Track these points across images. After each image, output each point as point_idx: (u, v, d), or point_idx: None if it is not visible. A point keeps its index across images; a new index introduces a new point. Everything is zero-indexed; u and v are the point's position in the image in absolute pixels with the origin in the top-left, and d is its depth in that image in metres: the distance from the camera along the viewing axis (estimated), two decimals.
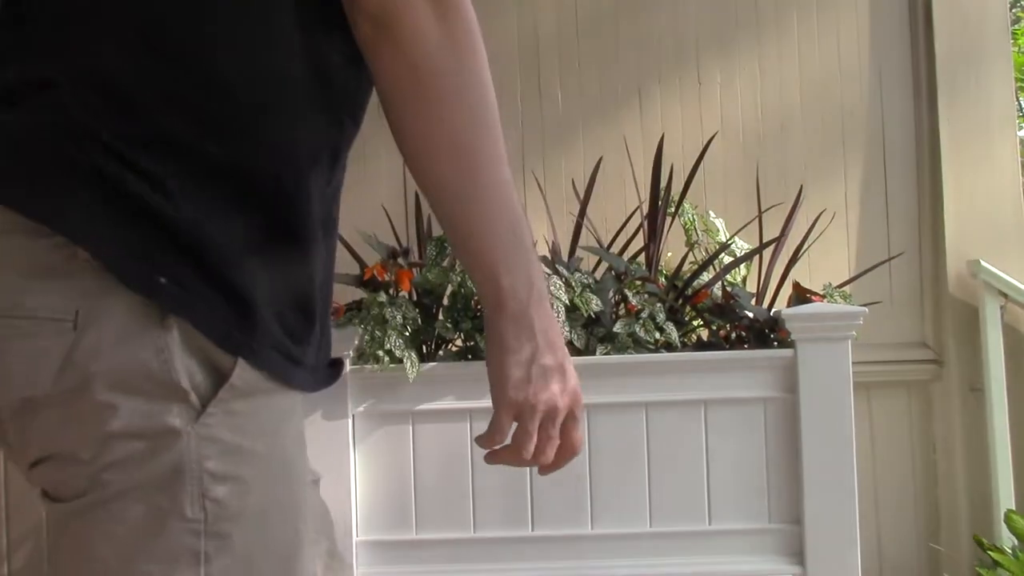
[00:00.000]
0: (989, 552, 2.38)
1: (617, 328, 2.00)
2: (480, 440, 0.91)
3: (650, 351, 2.02)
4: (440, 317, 2.05)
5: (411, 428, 1.98)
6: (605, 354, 2.00)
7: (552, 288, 1.95)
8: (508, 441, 0.88)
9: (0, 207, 0.73)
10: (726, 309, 2.10)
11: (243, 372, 0.76)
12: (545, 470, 0.91)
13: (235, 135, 0.76)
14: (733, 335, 2.12)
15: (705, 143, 2.40)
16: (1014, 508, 2.46)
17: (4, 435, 0.78)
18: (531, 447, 0.88)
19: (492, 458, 0.91)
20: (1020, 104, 5.01)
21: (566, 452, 0.90)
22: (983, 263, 2.54)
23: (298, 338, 0.81)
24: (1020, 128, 3.74)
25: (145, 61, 0.74)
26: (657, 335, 2.01)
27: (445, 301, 2.06)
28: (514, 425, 0.88)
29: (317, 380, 0.84)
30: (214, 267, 0.74)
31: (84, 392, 0.72)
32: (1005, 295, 2.53)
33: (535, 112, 2.70)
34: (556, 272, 2.05)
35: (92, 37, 0.75)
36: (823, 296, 2.14)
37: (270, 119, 0.78)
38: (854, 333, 1.96)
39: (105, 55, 0.74)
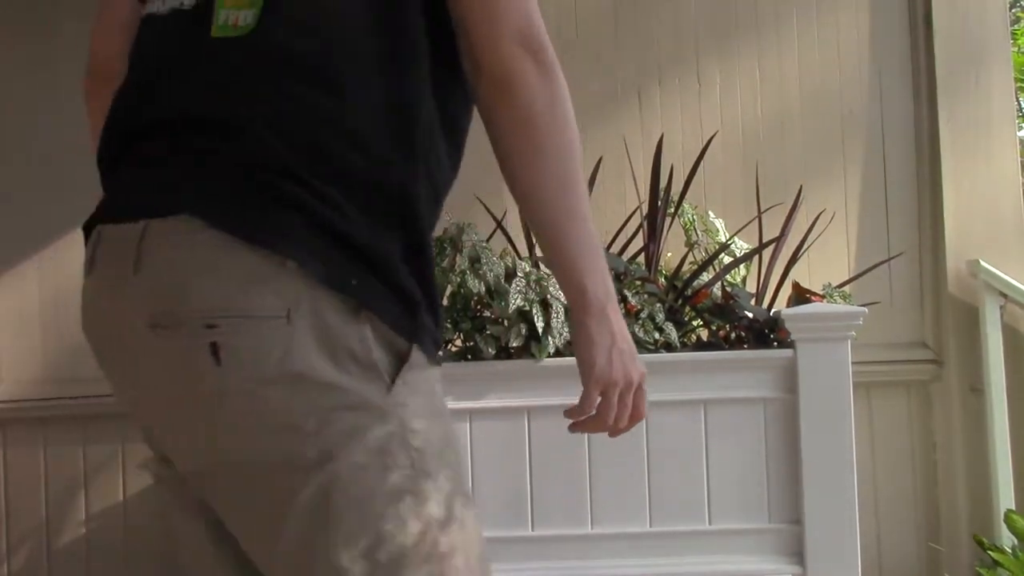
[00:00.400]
0: (989, 552, 2.38)
1: None
2: (570, 412, 1.12)
3: (650, 351, 2.02)
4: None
5: None
6: None
7: (552, 289, 1.96)
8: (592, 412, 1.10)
9: (218, 230, 0.94)
10: (726, 309, 2.10)
11: (414, 353, 0.98)
12: (616, 433, 1.13)
13: (391, 174, 0.99)
14: (733, 335, 2.12)
15: (705, 143, 2.41)
16: (1014, 508, 2.46)
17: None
18: (612, 415, 1.10)
19: (576, 427, 1.13)
20: (1020, 104, 5.00)
21: (636, 417, 1.12)
22: (983, 263, 2.54)
23: (436, 326, 1.04)
24: (1020, 128, 3.74)
25: (330, 119, 0.97)
26: (656, 335, 2.02)
27: (445, 302, 2.06)
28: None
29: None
30: (385, 273, 0.97)
31: (305, 375, 0.92)
32: (1005, 295, 2.53)
33: None
34: None
35: (294, 95, 0.98)
36: (823, 296, 2.14)
37: (419, 164, 1.02)
38: (854, 333, 1.97)
39: (303, 112, 0.97)
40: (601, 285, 1.08)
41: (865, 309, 1.98)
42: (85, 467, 2.68)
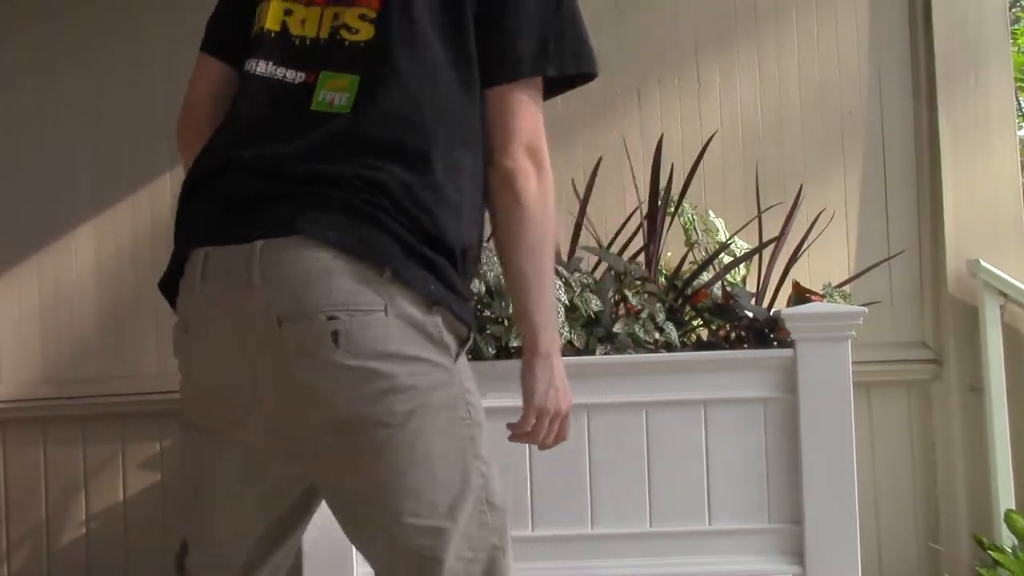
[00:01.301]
0: (989, 552, 2.38)
1: (617, 328, 2.00)
2: (511, 427, 1.47)
3: (649, 351, 2.02)
4: None
5: None
6: (605, 354, 2.00)
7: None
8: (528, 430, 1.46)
9: (330, 247, 1.27)
10: (726, 309, 2.09)
11: (471, 337, 1.38)
12: (544, 448, 1.49)
13: (459, 228, 1.36)
14: (733, 335, 2.12)
15: (704, 143, 2.41)
16: (1014, 508, 2.46)
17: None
18: (542, 436, 1.47)
19: (514, 439, 1.47)
20: (1020, 104, 5.01)
21: (560, 438, 1.49)
22: (983, 263, 2.55)
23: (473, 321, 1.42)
24: (1020, 128, 3.74)
25: (406, 185, 1.31)
26: (657, 335, 2.01)
27: None
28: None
29: None
30: (452, 283, 1.33)
31: (399, 352, 1.28)
32: (1005, 295, 2.53)
33: None
34: (556, 272, 2.04)
35: (379, 166, 1.31)
36: (823, 296, 2.14)
37: (476, 221, 1.42)
38: (854, 333, 1.96)
39: (387, 177, 1.30)
40: (551, 338, 1.45)
41: (865, 309, 1.98)
42: (85, 467, 2.68)
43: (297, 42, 1.40)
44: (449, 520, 1.32)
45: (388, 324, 1.27)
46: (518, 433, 1.47)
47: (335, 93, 1.35)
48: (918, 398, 2.65)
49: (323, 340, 1.26)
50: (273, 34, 1.40)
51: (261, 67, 1.39)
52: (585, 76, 1.51)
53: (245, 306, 1.29)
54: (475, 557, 1.35)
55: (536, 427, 1.47)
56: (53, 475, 2.68)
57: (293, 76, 1.38)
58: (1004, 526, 2.43)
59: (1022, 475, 2.52)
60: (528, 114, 1.43)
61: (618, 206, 2.61)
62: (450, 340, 1.33)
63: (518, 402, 1.97)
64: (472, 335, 1.39)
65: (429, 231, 1.32)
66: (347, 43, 1.37)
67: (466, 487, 1.34)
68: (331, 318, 1.26)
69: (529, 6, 1.44)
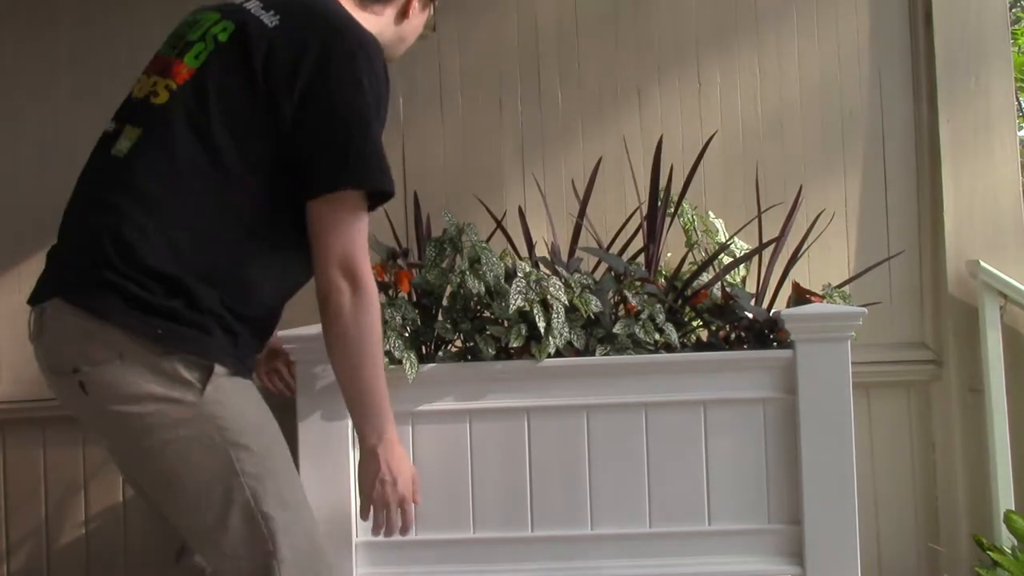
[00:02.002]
0: (989, 552, 2.38)
1: (617, 329, 2.00)
2: (362, 516, 1.73)
3: (650, 352, 2.02)
4: (439, 318, 2.05)
5: (410, 429, 1.99)
6: (604, 355, 2.00)
7: (552, 290, 1.96)
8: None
9: (73, 307, 1.52)
10: (725, 310, 2.09)
11: (216, 368, 1.55)
12: (390, 535, 1.73)
13: (261, 310, 1.66)
14: (732, 336, 2.12)
15: (704, 143, 2.41)
16: (1013, 508, 2.46)
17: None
18: (383, 527, 1.71)
19: (374, 531, 1.74)
20: (1020, 104, 5.01)
21: (403, 528, 1.74)
22: (983, 263, 2.54)
23: (239, 349, 1.62)
24: (1020, 128, 3.74)
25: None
26: (657, 336, 2.01)
27: (444, 302, 2.06)
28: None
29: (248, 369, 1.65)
30: (187, 322, 1.52)
31: (138, 393, 1.50)
32: (1004, 295, 2.53)
33: (535, 112, 2.70)
34: (556, 273, 2.05)
35: (210, 260, 1.55)
36: (822, 297, 2.14)
37: (281, 303, 1.72)
38: (853, 333, 1.96)
39: (216, 274, 1.55)
40: (373, 433, 1.65)
41: (865, 310, 1.98)
42: (85, 467, 2.68)
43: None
44: (217, 531, 1.54)
45: (124, 370, 1.47)
46: (373, 525, 1.72)
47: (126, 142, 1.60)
48: (918, 399, 2.65)
49: (75, 389, 1.51)
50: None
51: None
52: (383, 194, 1.62)
53: (38, 356, 1.62)
54: (246, 563, 1.55)
55: (376, 518, 1.70)
56: (53, 475, 2.68)
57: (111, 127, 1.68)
58: (1004, 527, 2.43)
59: (1022, 475, 2.52)
60: (339, 230, 1.57)
61: (616, 206, 2.61)
62: (191, 376, 1.50)
63: (516, 402, 1.98)
64: (230, 364, 1.55)
65: (153, 278, 1.48)
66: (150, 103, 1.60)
67: (229, 501, 1.53)
68: (75, 370, 1.50)
69: (330, 127, 1.55)
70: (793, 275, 2.29)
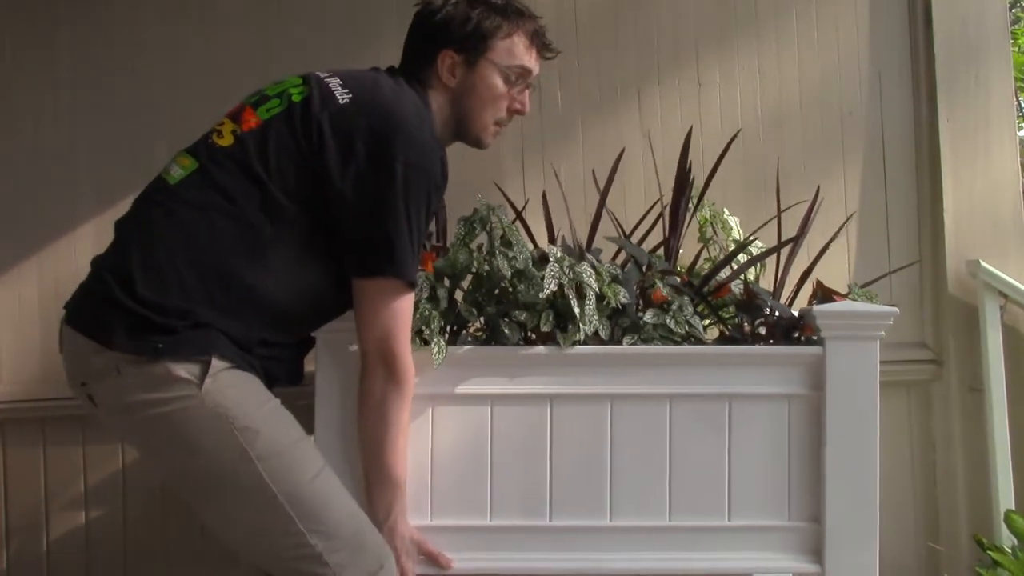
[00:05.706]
0: (989, 552, 2.38)
1: (648, 318, 1.94)
2: None
3: (676, 343, 1.99)
4: (462, 301, 2.00)
5: (431, 412, 1.93)
6: (631, 344, 1.96)
7: (584, 276, 1.91)
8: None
9: (80, 332, 1.64)
10: (751, 305, 2.07)
11: (214, 363, 1.61)
12: None
13: (292, 335, 1.77)
14: (754, 332, 2.09)
15: (727, 141, 2.35)
16: (1014, 508, 2.46)
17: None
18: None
19: None
20: (1020, 104, 5.01)
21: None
22: (983, 263, 2.55)
23: (235, 345, 1.67)
24: (1020, 128, 3.74)
25: (263, 312, 1.68)
26: (687, 327, 1.98)
27: (467, 285, 2.00)
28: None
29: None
30: (179, 333, 1.60)
31: (137, 401, 1.61)
32: (1005, 295, 2.53)
33: (534, 111, 2.70)
34: (584, 260, 2.00)
35: (234, 298, 1.64)
36: (844, 296, 2.13)
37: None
38: (883, 333, 1.95)
39: (245, 308, 1.66)
40: (381, 509, 1.76)
41: (896, 309, 1.95)
42: (85, 467, 2.68)
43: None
44: (248, 522, 1.62)
45: (124, 381, 1.57)
46: None
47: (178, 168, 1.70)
48: (918, 398, 2.65)
49: (87, 401, 1.65)
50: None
51: None
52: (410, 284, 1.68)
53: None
54: (286, 549, 1.62)
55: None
56: (53, 475, 2.68)
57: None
58: (1004, 526, 2.43)
59: (1022, 475, 2.52)
60: (377, 312, 1.65)
61: (622, 202, 2.60)
62: (187, 373, 1.56)
63: (540, 389, 1.95)
64: (230, 358, 1.60)
65: (159, 310, 1.57)
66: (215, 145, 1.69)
67: (247, 487, 1.59)
68: (84, 384, 1.64)
69: (372, 217, 1.63)
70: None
